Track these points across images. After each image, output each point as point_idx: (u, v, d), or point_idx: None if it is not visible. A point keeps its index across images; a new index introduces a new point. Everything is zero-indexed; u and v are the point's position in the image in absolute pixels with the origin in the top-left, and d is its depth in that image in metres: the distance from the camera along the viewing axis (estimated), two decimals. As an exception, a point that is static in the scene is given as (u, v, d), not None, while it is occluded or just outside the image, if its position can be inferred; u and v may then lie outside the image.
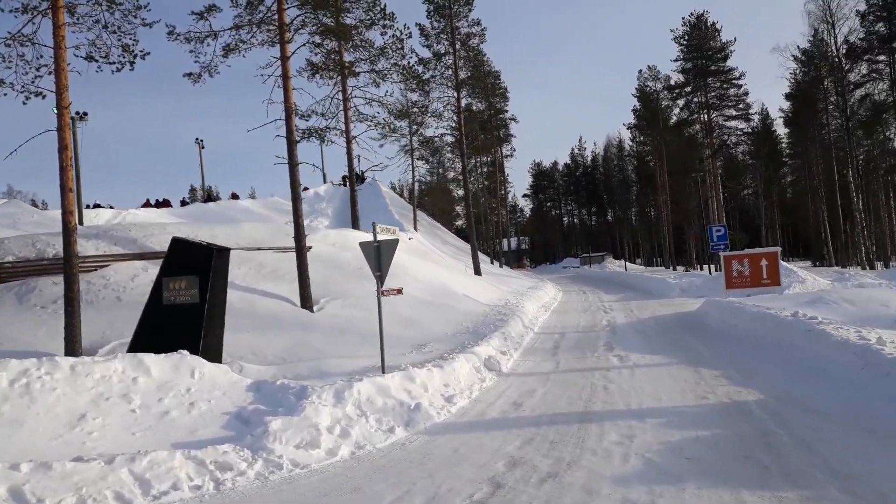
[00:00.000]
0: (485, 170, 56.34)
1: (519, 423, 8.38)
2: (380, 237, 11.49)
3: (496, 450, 7.17)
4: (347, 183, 64.15)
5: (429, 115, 34.91)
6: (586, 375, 11.42)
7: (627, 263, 68.82)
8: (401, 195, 75.16)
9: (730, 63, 44.13)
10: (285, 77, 17.47)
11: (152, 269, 17.29)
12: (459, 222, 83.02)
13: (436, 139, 55.69)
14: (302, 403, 8.12)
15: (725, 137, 46.12)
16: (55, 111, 14.32)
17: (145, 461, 6.45)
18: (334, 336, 16.13)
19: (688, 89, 46.12)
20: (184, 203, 43.02)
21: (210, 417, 8.08)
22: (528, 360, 13.93)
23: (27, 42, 15.11)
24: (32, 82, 15.47)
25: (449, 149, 53.94)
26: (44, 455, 6.75)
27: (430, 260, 28.70)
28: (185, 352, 9.17)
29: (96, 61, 16.09)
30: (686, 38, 45.16)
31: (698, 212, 62.86)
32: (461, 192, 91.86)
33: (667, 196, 60.09)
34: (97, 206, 37.66)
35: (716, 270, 44.49)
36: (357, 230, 26.30)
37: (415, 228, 45.88)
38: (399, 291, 12.09)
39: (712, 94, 44.03)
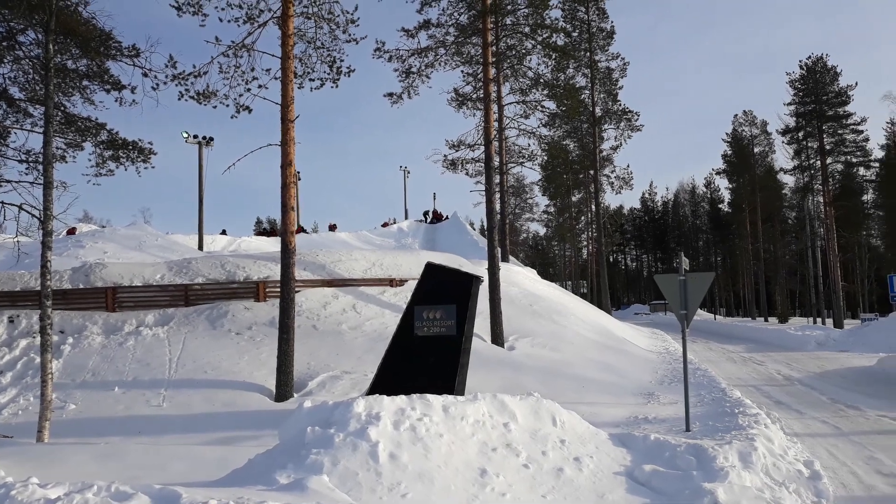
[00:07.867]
0: (574, 210, 55.02)
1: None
2: (678, 276, 10.14)
3: None
4: (427, 219, 63.67)
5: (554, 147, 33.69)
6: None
7: (711, 314, 66.13)
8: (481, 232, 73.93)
9: (850, 108, 42.16)
10: (487, 100, 16.48)
11: (342, 297, 16.28)
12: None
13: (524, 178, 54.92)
14: (713, 466, 6.73)
15: (839, 184, 43.80)
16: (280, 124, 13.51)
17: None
18: (546, 379, 14.79)
19: (800, 134, 44.18)
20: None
21: (604, 478, 6.73)
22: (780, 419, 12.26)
23: (243, 52, 14.38)
24: (240, 95, 14.63)
25: (538, 186, 52.58)
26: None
27: (574, 299, 27.34)
28: (537, 394, 7.88)
29: (298, 77, 15.30)
30: (801, 81, 43.48)
31: (789, 262, 60.73)
32: (523, 233, 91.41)
33: (759, 244, 58.01)
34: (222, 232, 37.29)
35: (827, 323, 41.96)
36: (507, 263, 25.07)
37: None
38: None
39: (830, 139, 42.03)
